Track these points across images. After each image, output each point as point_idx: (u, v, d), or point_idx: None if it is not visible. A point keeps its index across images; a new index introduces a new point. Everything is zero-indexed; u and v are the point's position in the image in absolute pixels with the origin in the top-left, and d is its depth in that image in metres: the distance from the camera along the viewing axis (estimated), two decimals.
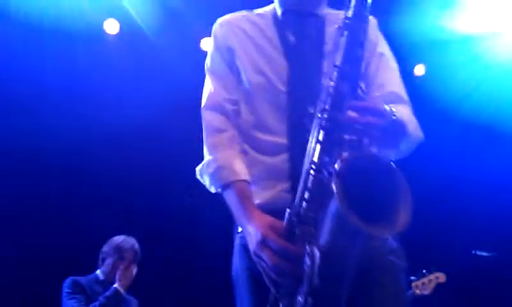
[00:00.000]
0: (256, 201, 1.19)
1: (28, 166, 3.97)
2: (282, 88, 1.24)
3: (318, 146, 1.01)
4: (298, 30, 1.30)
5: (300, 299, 0.96)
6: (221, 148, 1.24)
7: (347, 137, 0.97)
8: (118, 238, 3.20)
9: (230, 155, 1.23)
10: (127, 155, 4.12)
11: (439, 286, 3.56)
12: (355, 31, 1.04)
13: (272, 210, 1.13)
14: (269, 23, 1.34)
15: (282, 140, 1.21)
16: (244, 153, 1.27)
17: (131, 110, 3.91)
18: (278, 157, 1.21)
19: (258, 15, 1.38)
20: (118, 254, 3.11)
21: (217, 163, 1.22)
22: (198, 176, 1.30)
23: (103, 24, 3.80)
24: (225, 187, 1.21)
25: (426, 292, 3.51)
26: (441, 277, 3.54)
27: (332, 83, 1.03)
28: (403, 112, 1.17)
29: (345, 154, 0.93)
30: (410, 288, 3.52)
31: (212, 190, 1.27)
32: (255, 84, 1.27)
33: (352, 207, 0.85)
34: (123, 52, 3.86)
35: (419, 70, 4.18)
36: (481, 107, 4.18)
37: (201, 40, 3.87)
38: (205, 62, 1.37)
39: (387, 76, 1.31)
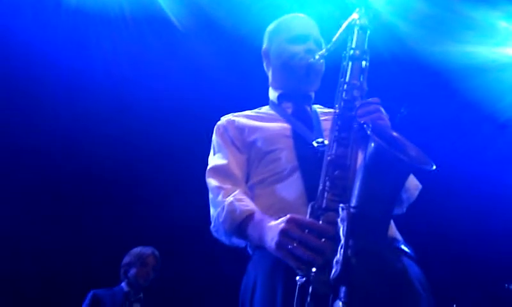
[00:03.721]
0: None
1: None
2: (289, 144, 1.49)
3: (335, 144, 1.28)
4: (295, 105, 1.64)
5: (338, 257, 1.05)
6: (225, 196, 1.41)
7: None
8: (137, 249, 3.51)
9: (235, 199, 1.38)
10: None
11: None
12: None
13: None
14: (267, 109, 1.68)
15: (293, 166, 1.43)
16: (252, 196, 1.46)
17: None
18: (290, 177, 1.41)
19: (255, 111, 1.69)
20: (140, 261, 3.41)
21: (226, 208, 1.37)
22: (214, 234, 1.46)
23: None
24: (242, 223, 1.34)
25: None
26: None
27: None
28: None
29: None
30: None
31: (230, 240, 1.43)
32: (267, 151, 1.50)
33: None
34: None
35: None
36: None
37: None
38: (211, 148, 1.62)
39: None
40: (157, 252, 3.51)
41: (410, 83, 4.05)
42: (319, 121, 1.56)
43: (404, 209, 1.50)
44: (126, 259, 3.48)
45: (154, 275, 3.46)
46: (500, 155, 4.43)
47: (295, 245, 1.13)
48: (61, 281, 4.07)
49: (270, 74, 1.76)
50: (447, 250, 4.28)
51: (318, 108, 1.68)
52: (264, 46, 1.78)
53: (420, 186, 1.48)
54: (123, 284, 3.44)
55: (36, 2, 3.71)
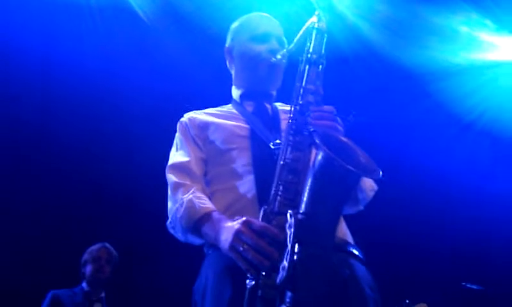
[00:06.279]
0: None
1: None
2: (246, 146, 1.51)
3: (289, 148, 1.30)
4: (257, 104, 1.66)
5: (285, 263, 1.07)
6: (184, 193, 1.42)
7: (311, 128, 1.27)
8: (91, 246, 3.51)
9: (195, 196, 1.40)
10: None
11: None
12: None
13: None
14: (229, 108, 1.70)
15: (248, 168, 1.45)
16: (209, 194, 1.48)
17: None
18: (244, 178, 1.43)
19: (218, 109, 1.71)
20: (92, 256, 3.42)
21: (185, 205, 1.39)
22: (171, 230, 1.48)
23: None
24: (199, 221, 1.36)
25: None
26: None
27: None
28: None
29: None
30: None
31: (186, 237, 1.44)
32: (224, 149, 1.53)
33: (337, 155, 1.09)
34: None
35: None
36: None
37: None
38: (173, 144, 1.64)
39: None
40: (108, 245, 3.50)
41: (375, 85, 4.13)
42: (279, 121, 1.58)
43: (362, 207, 1.53)
44: (82, 260, 3.47)
45: (112, 270, 3.43)
46: (464, 155, 4.57)
47: (246, 247, 1.16)
48: (20, 281, 3.96)
49: (233, 72, 1.77)
50: (406, 248, 4.39)
51: (280, 106, 1.69)
52: (227, 44, 1.79)
53: (375, 187, 1.52)
54: (83, 284, 3.40)
55: None
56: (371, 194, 1.50)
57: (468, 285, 3.72)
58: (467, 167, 4.50)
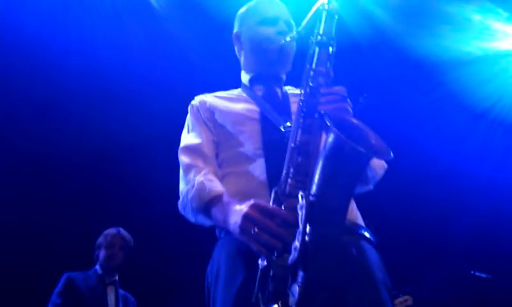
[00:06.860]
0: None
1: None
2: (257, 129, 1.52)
3: (299, 131, 1.29)
4: (266, 88, 1.66)
5: (296, 243, 1.08)
6: (196, 175, 1.44)
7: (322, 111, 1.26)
8: (106, 230, 3.52)
9: (206, 178, 1.42)
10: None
11: None
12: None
13: None
14: (239, 92, 1.70)
15: (258, 151, 1.46)
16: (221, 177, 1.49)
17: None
18: (255, 161, 1.44)
19: (228, 92, 1.71)
20: (106, 241, 3.43)
21: (196, 187, 1.40)
22: (181, 211, 1.49)
23: None
24: (209, 203, 1.38)
25: None
26: (408, 300, 3.59)
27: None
28: None
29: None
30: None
31: (196, 219, 1.45)
32: (234, 133, 1.53)
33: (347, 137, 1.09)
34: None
35: None
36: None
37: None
38: (185, 126, 1.65)
39: None
40: (122, 231, 3.49)
41: (387, 73, 4.10)
42: (288, 105, 1.58)
43: (372, 186, 1.53)
44: (96, 243, 3.49)
45: (126, 255, 3.44)
46: (478, 144, 4.55)
47: (256, 230, 1.17)
48: (35, 264, 4.04)
49: (242, 58, 1.77)
50: (417, 236, 4.39)
51: (289, 89, 1.69)
52: (235, 30, 1.78)
53: (385, 166, 1.50)
54: (97, 266, 3.43)
55: None
56: (381, 172, 1.50)
57: (477, 273, 3.72)
58: (480, 156, 4.47)
